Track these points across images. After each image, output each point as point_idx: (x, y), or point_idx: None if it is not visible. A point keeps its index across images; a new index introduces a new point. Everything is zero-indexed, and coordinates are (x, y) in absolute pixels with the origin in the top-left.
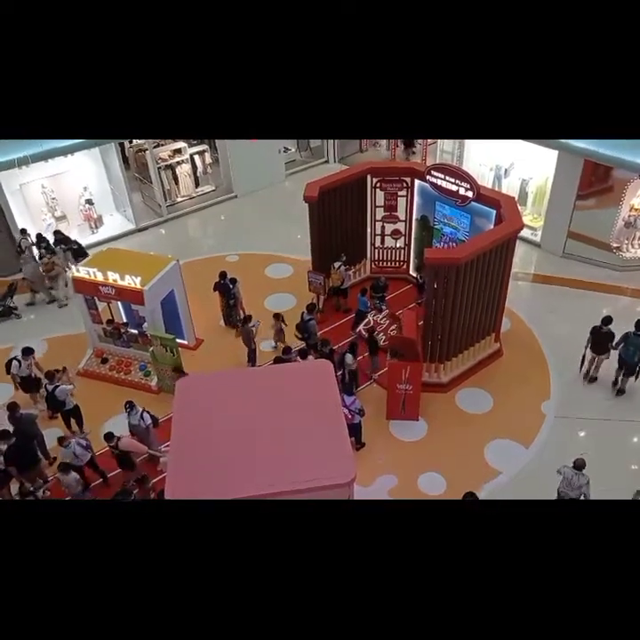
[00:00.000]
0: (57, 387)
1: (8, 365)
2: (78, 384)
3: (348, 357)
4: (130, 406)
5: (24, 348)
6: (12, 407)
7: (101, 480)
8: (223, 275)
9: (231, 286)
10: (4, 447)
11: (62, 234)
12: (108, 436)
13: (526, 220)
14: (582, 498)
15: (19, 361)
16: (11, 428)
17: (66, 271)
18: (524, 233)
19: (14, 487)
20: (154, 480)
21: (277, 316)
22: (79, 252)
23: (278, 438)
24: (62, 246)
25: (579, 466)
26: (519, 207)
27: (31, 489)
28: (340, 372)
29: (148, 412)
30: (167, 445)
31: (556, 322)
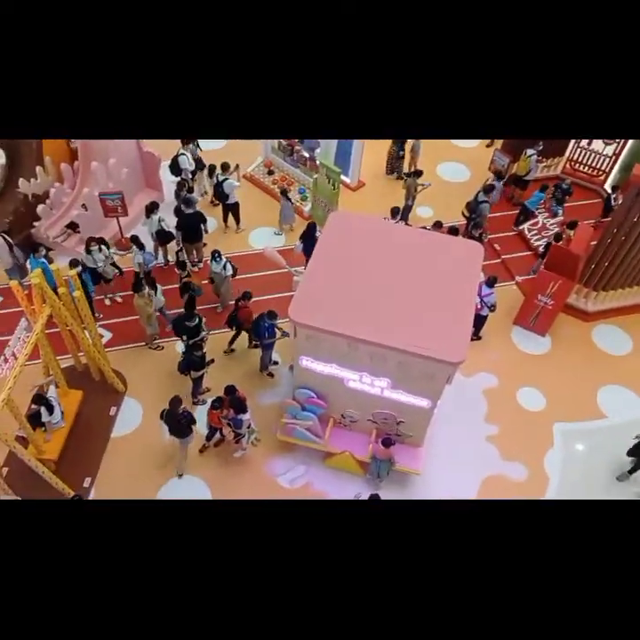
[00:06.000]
0: (226, 179)
1: (176, 161)
2: (242, 185)
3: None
4: (218, 255)
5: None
6: (180, 186)
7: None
8: None
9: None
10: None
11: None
12: (182, 265)
13: None
14: None
15: (185, 155)
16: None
17: None
18: None
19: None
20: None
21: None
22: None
23: (406, 298)
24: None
25: None
26: None
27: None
28: None
29: (230, 262)
30: (303, 267)
31: None
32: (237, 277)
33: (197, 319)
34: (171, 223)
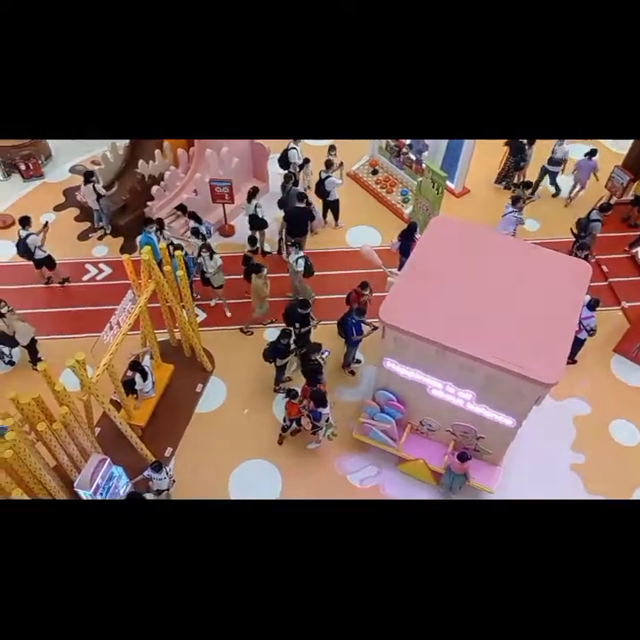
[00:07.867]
0: (328, 177)
1: (285, 155)
2: (345, 183)
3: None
4: (298, 246)
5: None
6: (287, 178)
7: None
8: None
9: (526, 147)
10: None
11: None
12: (251, 240)
13: None
14: None
15: (295, 149)
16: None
17: None
18: None
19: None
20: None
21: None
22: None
23: (502, 311)
24: None
25: None
26: None
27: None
28: None
29: (306, 261)
30: (397, 268)
31: None
32: (330, 273)
33: (310, 308)
34: (267, 211)
